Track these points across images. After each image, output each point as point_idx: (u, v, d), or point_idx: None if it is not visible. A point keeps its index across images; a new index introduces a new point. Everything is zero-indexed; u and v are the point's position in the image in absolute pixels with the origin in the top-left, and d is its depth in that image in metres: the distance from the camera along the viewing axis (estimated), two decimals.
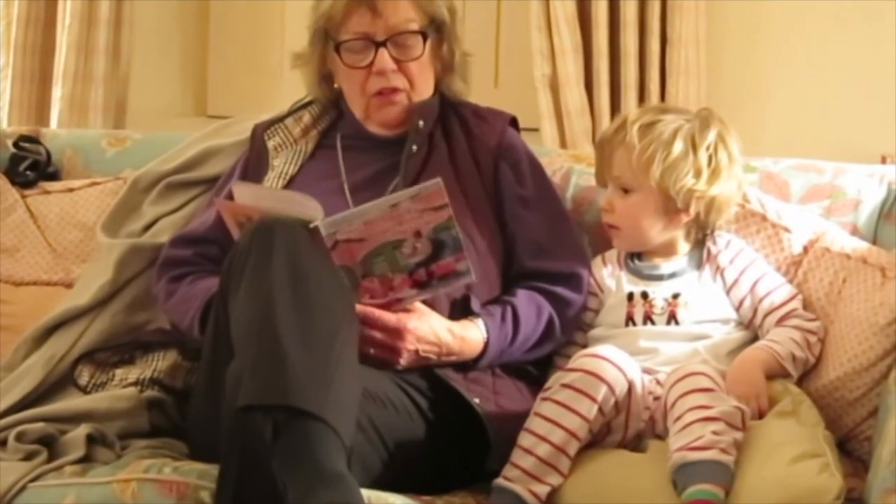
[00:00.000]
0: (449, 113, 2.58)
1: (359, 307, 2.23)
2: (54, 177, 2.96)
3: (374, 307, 2.26)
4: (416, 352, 2.30)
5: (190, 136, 2.91)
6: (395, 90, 2.49)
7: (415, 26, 2.48)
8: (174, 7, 3.71)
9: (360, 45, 2.47)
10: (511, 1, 3.41)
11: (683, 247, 2.49)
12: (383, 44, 2.46)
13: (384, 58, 2.46)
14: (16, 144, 2.97)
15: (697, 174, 2.41)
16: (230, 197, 2.38)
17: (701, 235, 2.49)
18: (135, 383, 2.43)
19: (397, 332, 2.27)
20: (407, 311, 2.29)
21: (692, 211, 2.44)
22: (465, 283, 2.32)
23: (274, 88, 3.52)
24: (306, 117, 2.63)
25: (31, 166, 2.94)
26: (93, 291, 2.61)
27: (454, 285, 2.31)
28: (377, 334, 2.27)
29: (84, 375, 2.50)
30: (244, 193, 2.31)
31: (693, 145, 2.42)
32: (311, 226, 2.18)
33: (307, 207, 2.23)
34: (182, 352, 2.47)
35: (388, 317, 2.26)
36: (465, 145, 2.55)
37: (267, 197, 2.30)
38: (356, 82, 2.51)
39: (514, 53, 3.39)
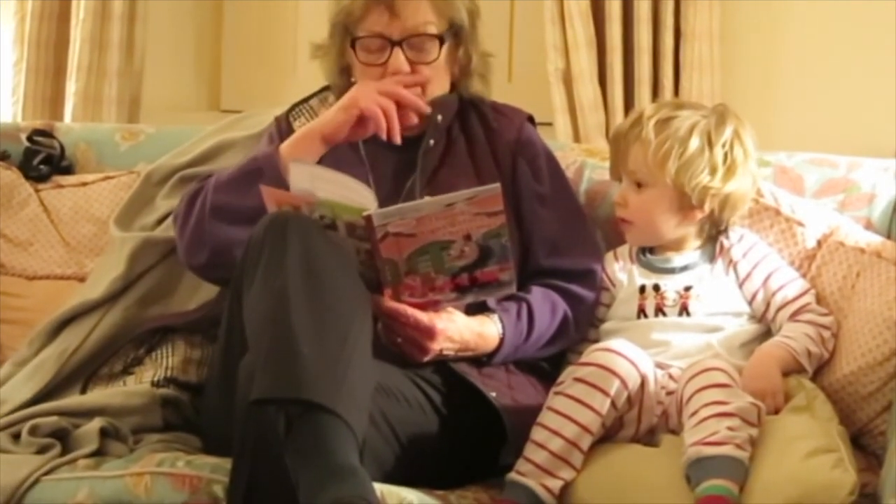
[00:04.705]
0: (468, 109, 2.58)
1: (395, 304, 2.24)
2: (68, 171, 2.97)
3: (411, 305, 2.25)
4: (441, 350, 2.30)
5: (203, 130, 2.91)
6: None
7: (433, 29, 2.47)
8: (188, 2, 3.71)
9: (376, 44, 2.46)
10: None
11: (695, 241, 2.49)
12: (399, 44, 2.45)
13: (399, 58, 2.45)
14: (30, 138, 2.97)
15: (713, 171, 2.41)
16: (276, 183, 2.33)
17: (714, 231, 2.48)
18: (150, 384, 2.43)
19: (429, 332, 2.26)
20: (437, 310, 2.29)
21: (707, 208, 2.43)
22: (504, 294, 2.31)
23: (287, 83, 3.51)
24: (331, 99, 2.61)
25: (45, 160, 2.95)
26: (105, 285, 2.61)
27: (493, 294, 2.31)
28: (408, 331, 2.26)
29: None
30: (301, 172, 2.27)
31: (709, 142, 2.41)
32: (365, 214, 2.17)
33: (361, 196, 2.22)
34: (187, 340, 2.47)
35: (422, 316, 2.25)
36: (483, 140, 2.55)
37: (323, 178, 2.25)
38: (371, 80, 2.49)
39: (528, 48, 3.38)
